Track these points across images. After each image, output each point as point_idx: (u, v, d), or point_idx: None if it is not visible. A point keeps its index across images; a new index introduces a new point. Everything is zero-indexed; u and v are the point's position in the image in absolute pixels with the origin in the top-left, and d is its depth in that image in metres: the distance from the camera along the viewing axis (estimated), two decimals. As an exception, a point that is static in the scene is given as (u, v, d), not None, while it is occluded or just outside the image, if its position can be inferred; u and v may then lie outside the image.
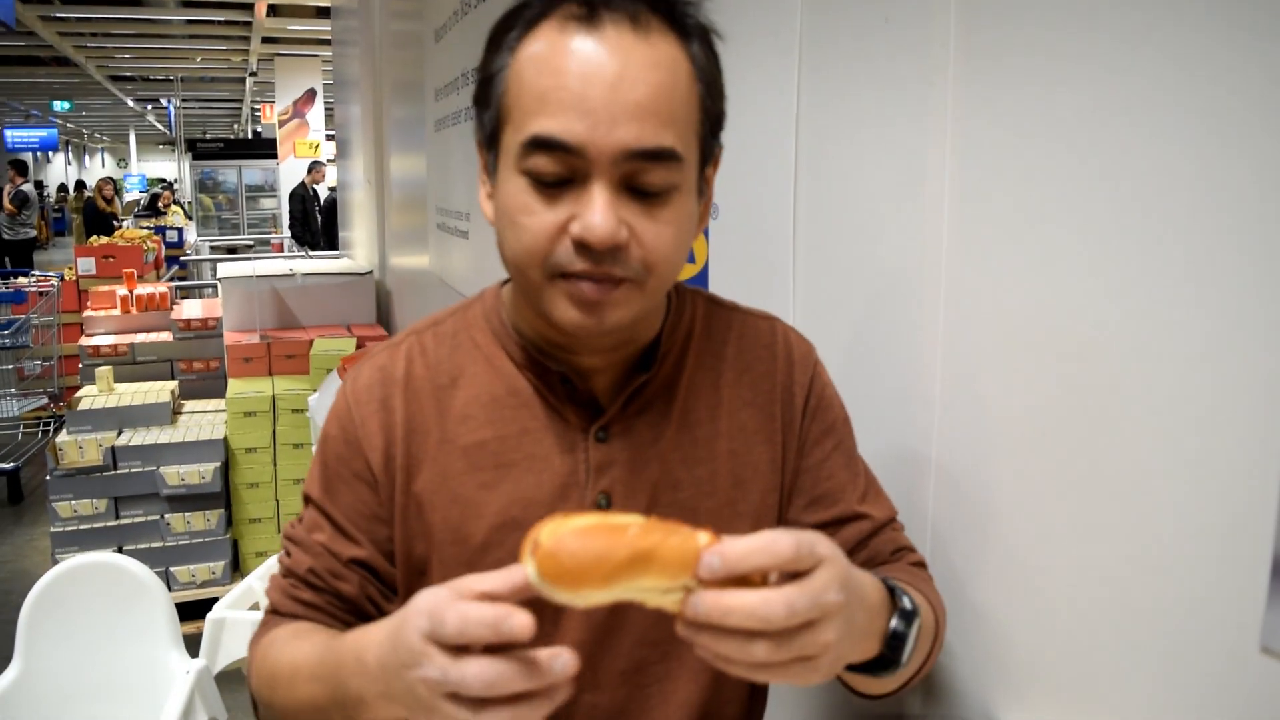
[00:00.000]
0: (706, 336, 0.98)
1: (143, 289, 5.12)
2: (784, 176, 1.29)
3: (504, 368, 0.94)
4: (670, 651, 0.95)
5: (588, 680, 0.93)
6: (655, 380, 0.94)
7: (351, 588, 0.93)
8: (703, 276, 1.49)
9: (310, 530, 0.95)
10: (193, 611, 2.05)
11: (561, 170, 0.78)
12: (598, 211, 0.77)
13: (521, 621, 0.63)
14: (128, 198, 17.88)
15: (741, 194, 1.39)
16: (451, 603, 0.65)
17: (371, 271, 4.71)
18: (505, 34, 0.82)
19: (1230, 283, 0.72)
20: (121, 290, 5.09)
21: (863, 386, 1.16)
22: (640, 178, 0.78)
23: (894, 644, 0.79)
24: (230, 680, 2.11)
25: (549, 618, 0.91)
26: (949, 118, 1.00)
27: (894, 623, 0.79)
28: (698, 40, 0.82)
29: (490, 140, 0.84)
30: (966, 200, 0.99)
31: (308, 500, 0.97)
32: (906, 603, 0.80)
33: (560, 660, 0.64)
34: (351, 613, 0.94)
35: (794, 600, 0.64)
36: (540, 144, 0.77)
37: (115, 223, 11.68)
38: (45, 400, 5.89)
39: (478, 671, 0.63)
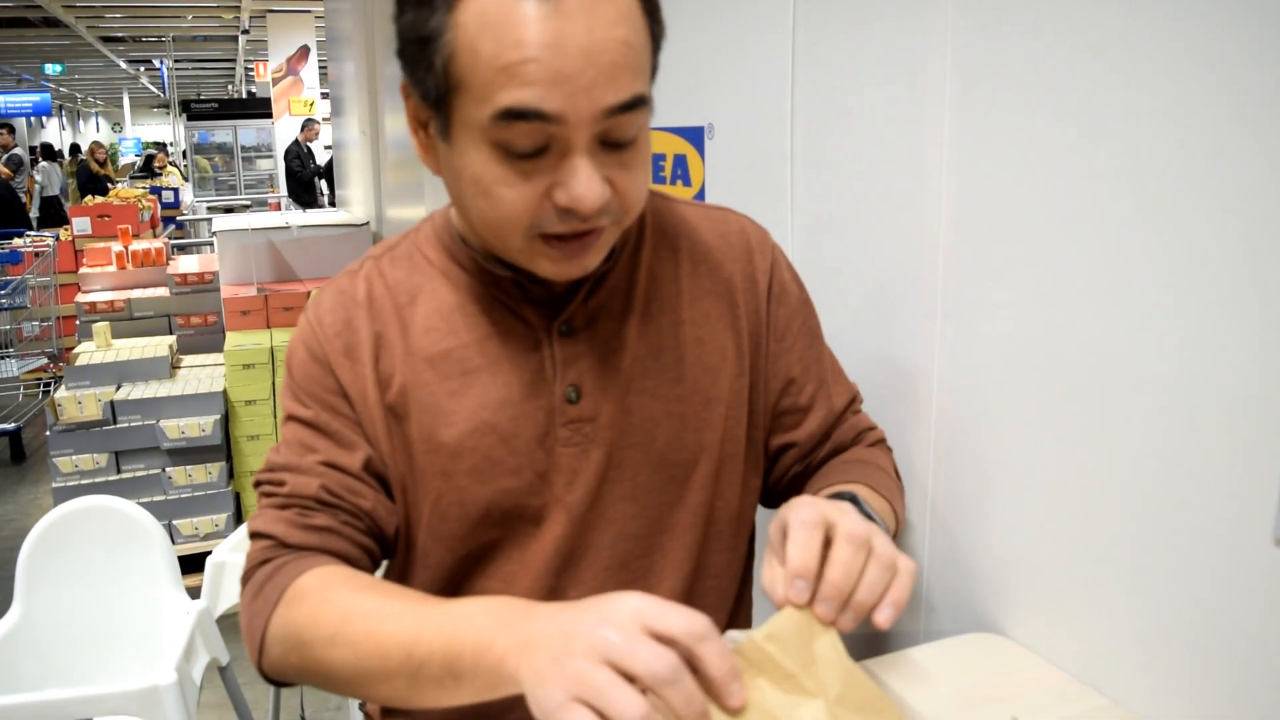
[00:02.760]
0: (659, 230, 0.98)
1: (139, 245, 5.09)
2: (780, 91, 1.26)
3: (459, 279, 0.94)
4: (653, 545, 0.95)
5: (571, 577, 0.93)
6: (613, 272, 0.94)
7: (368, 501, 0.91)
8: (699, 198, 1.46)
9: (303, 454, 0.92)
10: (196, 564, 2.05)
11: (538, 140, 0.76)
12: (583, 181, 0.76)
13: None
14: (123, 161, 17.75)
15: (736, 111, 1.36)
16: (667, 658, 0.61)
17: (368, 223, 4.67)
18: None
19: (1239, 191, 0.70)
20: (117, 246, 5.06)
21: (863, 301, 1.14)
22: (614, 132, 0.77)
23: None
24: (231, 624, 2.10)
25: (531, 516, 0.92)
26: (949, 26, 0.97)
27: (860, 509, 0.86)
28: None
29: (437, 103, 0.79)
30: (967, 110, 0.96)
31: (292, 420, 0.94)
32: (862, 508, 0.87)
33: None
34: (368, 532, 0.92)
35: (841, 558, 0.71)
36: (515, 115, 0.74)
37: (110, 184, 11.59)
38: (44, 361, 5.87)
39: (635, 706, 0.60)
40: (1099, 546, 0.86)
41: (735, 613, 1.04)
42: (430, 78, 0.78)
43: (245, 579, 0.90)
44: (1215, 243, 0.73)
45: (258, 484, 0.93)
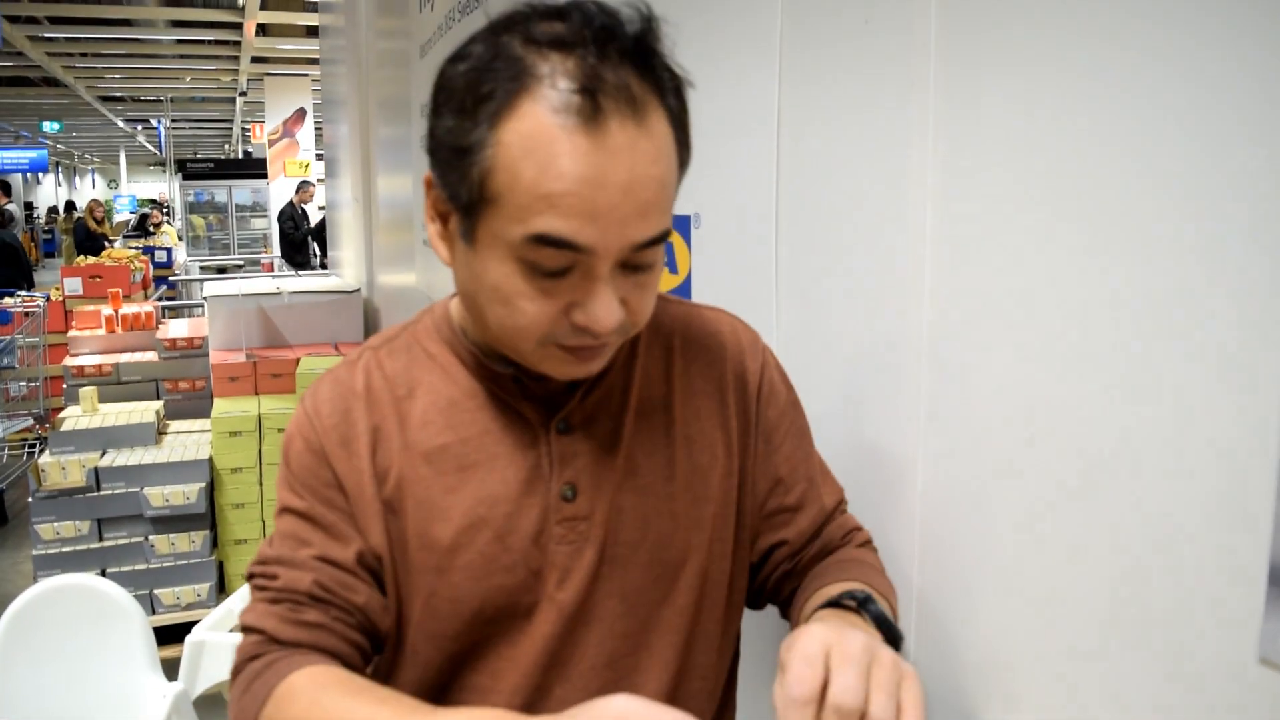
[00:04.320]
0: (654, 329, 0.99)
1: (128, 308, 5.09)
2: (765, 181, 1.27)
3: (458, 374, 0.94)
4: (639, 643, 0.94)
5: (558, 674, 0.92)
6: (610, 372, 0.94)
7: (361, 597, 0.90)
8: (685, 286, 1.47)
9: (296, 547, 0.91)
10: (178, 635, 2.02)
11: (564, 263, 0.77)
12: (602, 306, 0.78)
13: None
14: (118, 219, 17.83)
15: (722, 200, 1.37)
16: None
17: (359, 289, 4.68)
18: (479, 100, 0.76)
19: (1226, 275, 0.70)
20: (107, 310, 5.06)
21: (847, 390, 1.14)
22: (636, 259, 0.79)
23: (888, 631, 0.87)
24: (210, 704, 2.07)
25: (522, 613, 0.91)
26: (930, 121, 0.98)
27: (872, 612, 0.88)
28: (672, 93, 0.80)
29: (465, 209, 0.80)
30: (950, 201, 0.97)
31: (286, 511, 0.93)
32: (873, 608, 0.88)
33: None
34: (360, 628, 0.90)
35: (845, 683, 0.70)
36: (547, 241, 0.75)
37: (106, 243, 11.64)
38: (30, 421, 5.83)
39: None
40: (1083, 657, 0.85)
41: (720, 716, 1.03)
42: (463, 186, 0.78)
43: (235, 672, 0.89)
44: (1216, 337, 0.73)
45: (250, 576, 0.92)
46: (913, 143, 1.01)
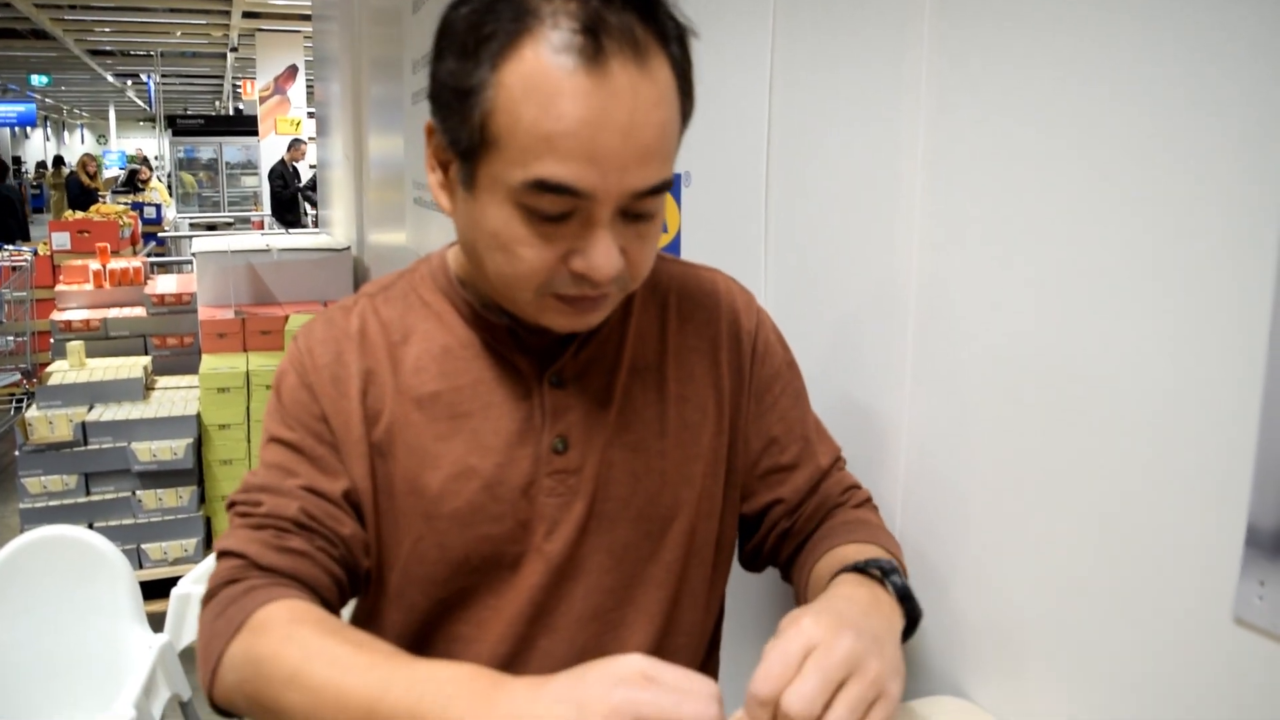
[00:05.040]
0: (650, 287, 0.99)
1: (116, 264, 5.06)
2: (756, 141, 1.26)
3: (453, 323, 0.94)
4: (625, 598, 0.95)
5: (543, 626, 0.93)
6: (605, 327, 0.94)
7: (346, 529, 0.89)
8: (675, 245, 1.46)
9: (284, 476, 0.89)
10: (164, 589, 2.03)
11: (563, 208, 0.77)
12: (601, 253, 0.78)
13: None
14: (106, 174, 17.68)
15: (713, 160, 1.37)
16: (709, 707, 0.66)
17: (349, 248, 4.66)
18: (480, 41, 0.75)
19: (1205, 263, 0.70)
20: (95, 265, 5.02)
21: (833, 354, 1.14)
22: (636, 207, 0.79)
23: (909, 606, 0.84)
24: (195, 656, 2.08)
25: (509, 563, 0.92)
26: (923, 84, 0.98)
27: (895, 585, 0.84)
28: (676, 41, 0.79)
29: (466, 153, 0.79)
30: (939, 168, 0.97)
31: (275, 442, 0.91)
32: (896, 580, 0.85)
33: None
34: (341, 561, 0.89)
35: (802, 690, 0.69)
36: (546, 187, 0.75)
37: (99, 198, 11.53)
38: (18, 376, 5.81)
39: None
40: (1062, 614, 0.86)
41: (703, 672, 1.03)
42: (464, 129, 0.78)
43: (208, 597, 0.85)
44: (1198, 302, 0.73)
45: (231, 504, 0.90)
46: (904, 104, 1.01)
